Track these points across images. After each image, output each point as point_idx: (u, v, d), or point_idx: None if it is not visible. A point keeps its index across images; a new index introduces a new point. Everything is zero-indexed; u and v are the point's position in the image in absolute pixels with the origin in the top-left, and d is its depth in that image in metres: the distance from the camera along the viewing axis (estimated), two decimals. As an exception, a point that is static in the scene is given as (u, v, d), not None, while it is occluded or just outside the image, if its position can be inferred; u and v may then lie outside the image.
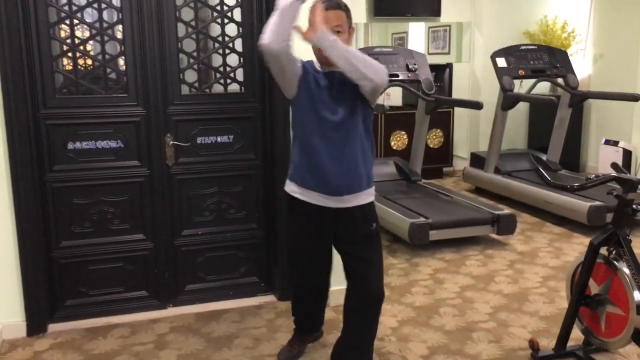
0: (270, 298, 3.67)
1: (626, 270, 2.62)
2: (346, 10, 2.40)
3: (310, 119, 2.44)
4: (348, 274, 2.62)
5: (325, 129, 2.42)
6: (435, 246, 4.58)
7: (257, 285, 3.70)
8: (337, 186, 2.45)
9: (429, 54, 7.84)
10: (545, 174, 2.99)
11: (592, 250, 2.72)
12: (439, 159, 7.17)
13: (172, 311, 3.51)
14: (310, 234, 2.62)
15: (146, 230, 3.46)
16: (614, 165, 2.81)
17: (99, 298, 3.43)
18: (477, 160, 6.41)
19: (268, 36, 2.22)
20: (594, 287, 2.80)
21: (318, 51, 2.39)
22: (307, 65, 2.46)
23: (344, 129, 2.43)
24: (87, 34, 3.28)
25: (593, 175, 2.83)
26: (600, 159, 6.48)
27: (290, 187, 2.60)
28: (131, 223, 3.43)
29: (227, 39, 3.44)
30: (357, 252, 2.56)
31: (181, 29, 3.34)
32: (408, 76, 5.45)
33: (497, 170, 6.04)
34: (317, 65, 2.48)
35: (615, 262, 2.67)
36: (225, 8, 3.40)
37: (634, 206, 2.61)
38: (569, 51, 6.81)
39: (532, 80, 6.26)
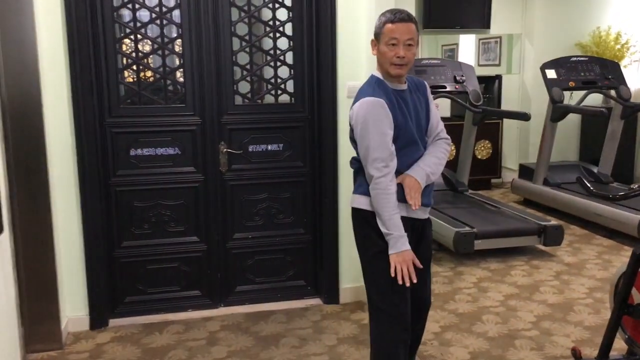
0: (316, 301, 3.80)
1: (670, 280, 2.62)
2: (415, 22, 2.30)
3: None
4: None
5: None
6: (480, 256, 4.61)
7: (304, 289, 3.84)
8: None
9: (479, 65, 7.87)
10: (588, 184, 3.01)
11: (635, 260, 2.73)
12: (488, 170, 7.16)
13: (223, 310, 3.69)
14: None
15: (200, 233, 3.65)
16: (658, 176, 2.81)
17: (155, 296, 3.64)
18: (525, 171, 6.38)
19: (374, 189, 2.26)
20: (637, 297, 2.81)
21: (389, 74, 2.31)
22: (387, 101, 2.27)
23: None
24: (148, 48, 3.52)
25: (637, 185, 2.84)
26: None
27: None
28: (186, 226, 3.63)
29: (278, 52, 3.61)
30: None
31: (236, 43, 3.54)
32: (456, 87, 5.51)
33: (546, 182, 6.00)
34: (386, 82, 2.34)
35: (658, 271, 2.67)
36: (277, 23, 3.58)
37: (677, 216, 2.62)
38: (623, 62, 6.72)
39: (583, 92, 6.19)
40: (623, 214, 4.86)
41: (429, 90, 2.48)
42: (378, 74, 2.35)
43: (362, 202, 2.37)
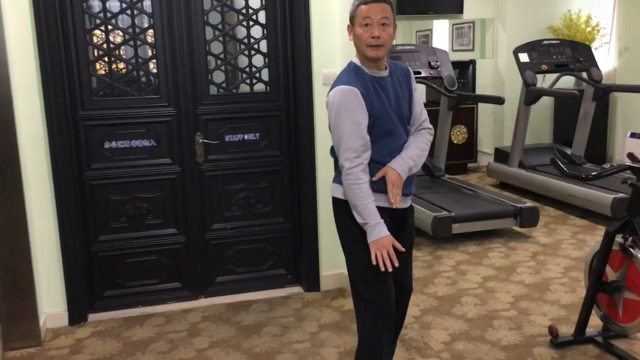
0: (297, 289, 3.81)
1: (642, 257, 2.68)
2: (389, 3, 2.23)
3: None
4: None
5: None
6: (459, 239, 4.67)
7: (284, 277, 3.84)
8: None
9: (453, 50, 7.91)
10: (562, 166, 3.06)
11: (608, 238, 2.80)
12: (464, 154, 7.23)
13: (203, 302, 3.68)
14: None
15: (178, 224, 3.63)
16: (629, 155, 2.88)
17: (135, 289, 3.62)
18: (501, 155, 6.45)
19: (346, 180, 2.21)
20: (610, 274, 2.87)
21: (366, 57, 2.24)
22: (362, 89, 2.20)
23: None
24: (120, 38, 3.47)
25: (608, 165, 2.89)
26: (626, 152, 6.44)
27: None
28: (164, 218, 3.61)
29: (252, 40, 3.59)
30: None
31: (209, 32, 3.50)
32: (430, 73, 5.53)
33: (521, 165, 6.08)
34: (364, 68, 2.27)
35: (631, 249, 2.74)
36: (251, 11, 3.55)
37: (648, 194, 2.68)
38: (594, 45, 6.81)
39: (556, 75, 6.27)
40: (596, 194, 4.95)
41: (413, 77, 2.40)
42: (356, 61, 2.29)
43: (341, 192, 2.32)
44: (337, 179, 2.34)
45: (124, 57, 3.52)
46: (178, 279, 3.68)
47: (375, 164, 2.25)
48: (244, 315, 3.49)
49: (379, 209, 2.23)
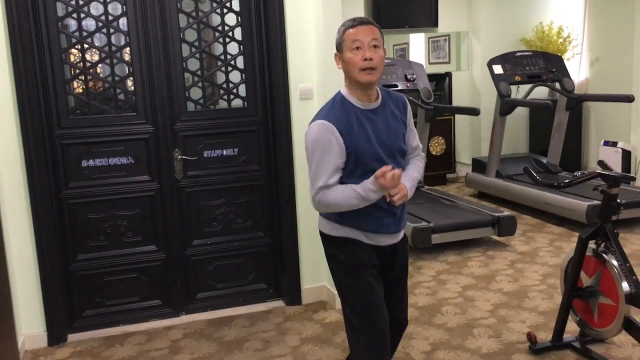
0: (278, 303, 3.82)
1: (614, 262, 2.74)
2: (377, 26, 2.14)
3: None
4: None
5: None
6: (438, 249, 4.71)
7: (266, 292, 3.85)
8: None
9: (429, 63, 8.02)
10: (535, 174, 3.13)
11: (582, 244, 2.86)
12: (442, 165, 7.31)
13: (184, 318, 3.67)
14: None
15: (158, 241, 3.62)
16: (600, 163, 2.95)
17: (115, 308, 3.59)
18: (478, 165, 6.54)
19: (324, 208, 2.15)
20: (585, 280, 2.93)
21: (359, 83, 2.13)
22: (343, 127, 2.09)
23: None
24: (96, 57, 3.47)
25: (579, 173, 2.96)
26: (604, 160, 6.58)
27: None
28: (144, 235, 3.60)
29: (229, 57, 3.62)
30: None
31: (185, 50, 3.53)
32: (407, 86, 5.61)
33: (499, 174, 6.17)
34: (352, 99, 2.16)
35: (603, 254, 2.80)
36: (227, 28, 3.58)
37: (618, 200, 2.74)
38: (566, 56, 6.97)
39: (529, 86, 6.39)
40: (572, 201, 5.04)
41: (409, 108, 2.29)
42: (345, 92, 2.16)
43: (325, 226, 2.26)
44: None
45: (100, 75, 3.52)
46: (158, 296, 3.66)
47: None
48: (225, 330, 3.49)
49: (364, 245, 2.18)
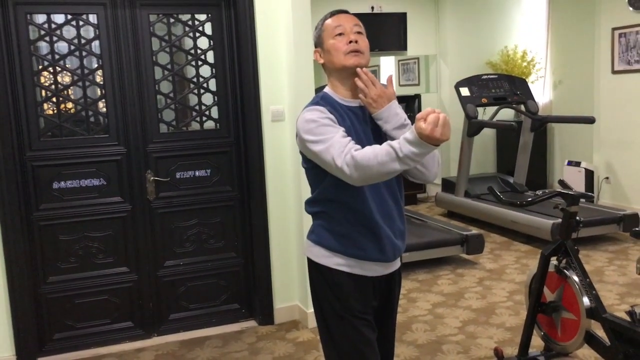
0: (251, 323, 3.83)
1: (575, 278, 2.85)
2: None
3: None
4: None
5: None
6: (409, 268, 4.79)
7: (238, 312, 3.86)
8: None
9: (400, 85, 8.19)
10: (498, 193, 3.24)
11: (544, 261, 2.96)
12: (413, 185, 7.42)
13: (156, 340, 3.66)
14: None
15: (130, 263, 3.62)
16: (560, 182, 3.07)
17: (86, 330, 3.57)
18: (448, 185, 6.68)
19: (360, 178, 1.72)
20: (548, 295, 3.03)
21: (345, 70, 1.90)
22: (334, 113, 1.85)
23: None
24: (68, 79, 3.50)
25: (541, 192, 3.08)
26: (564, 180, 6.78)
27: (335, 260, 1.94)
28: (115, 257, 3.59)
29: (201, 79, 3.68)
30: None
31: (158, 72, 3.58)
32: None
33: (467, 194, 6.30)
34: (336, 96, 1.93)
35: (565, 270, 2.90)
36: (199, 51, 3.65)
37: (577, 218, 2.86)
38: (530, 79, 7.19)
39: (495, 107, 6.57)
40: (537, 219, 5.18)
41: None
42: (328, 89, 1.96)
43: (316, 253, 1.96)
44: (311, 235, 2.00)
45: (72, 97, 3.54)
46: (130, 318, 3.65)
47: (343, 206, 1.89)
48: (198, 351, 3.49)
49: (359, 277, 1.92)
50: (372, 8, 7.43)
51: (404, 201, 2.02)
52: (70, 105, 3.55)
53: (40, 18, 3.35)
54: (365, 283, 1.95)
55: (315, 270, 1.99)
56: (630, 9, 5.96)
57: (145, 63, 3.52)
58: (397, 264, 2.06)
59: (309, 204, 2.01)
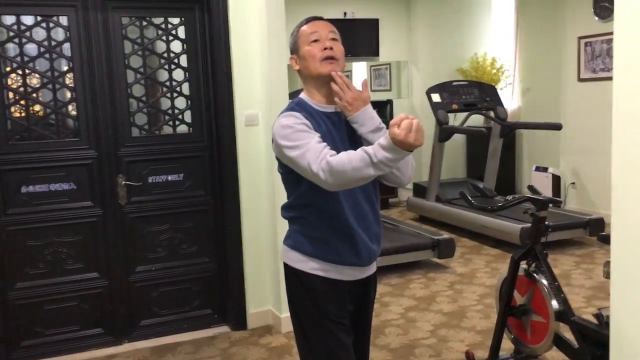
0: (224, 329, 3.81)
1: (544, 282, 2.91)
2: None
3: None
4: None
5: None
6: (382, 272, 4.81)
7: (211, 317, 3.84)
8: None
9: (372, 90, 8.25)
10: (470, 198, 3.30)
11: (514, 265, 3.01)
12: (385, 190, 7.44)
13: (127, 347, 3.61)
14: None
15: (100, 268, 3.57)
16: (529, 187, 3.14)
17: (55, 337, 3.50)
18: (419, 190, 6.75)
19: (335, 183, 1.73)
20: (518, 299, 3.08)
21: (320, 77, 1.92)
22: (312, 120, 1.87)
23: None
24: (37, 81, 3.44)
25: (511, 197, 3.14)
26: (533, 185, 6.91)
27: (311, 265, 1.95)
28: (85, 262, 3.54)
29: (174, 83, 3.65)
30: None
31: (130, 75, 3.54)
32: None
33: (438, 199, 6.38)
34: (312, 102, 1.95)
35: (534, 274, 2.96)
36: (172, 55, 3.62)
37: (546, 223, 2.92)
38: (499, 85, 7.32)
39: (465, 114, 6.67)
40: (506, 224, 5.27)
41: None
42: (304, 95, 1.98)
43: (292, 258, 1.97)
44: (287, 240, 2.01)
45: (41, 100, 3.48)
46: (100, 324, 3.60)
47: (319, 211, 1.90)
48: (169, 358, 3.45)
49: (335, 282, 1.93)
50: (345, 14, 7.48)
51: (379, 206, 2.05)
52: (38, 108, 3.49)
53: (9, 19, 3.29)
54: (341, 287, 1.96)
55: (292, 275, 2.00)
56: (596, 18, 6.12)
57: (117, 66, 3.48)
58: (372, 268, 2.08)
59: (285, 209, 2.02)
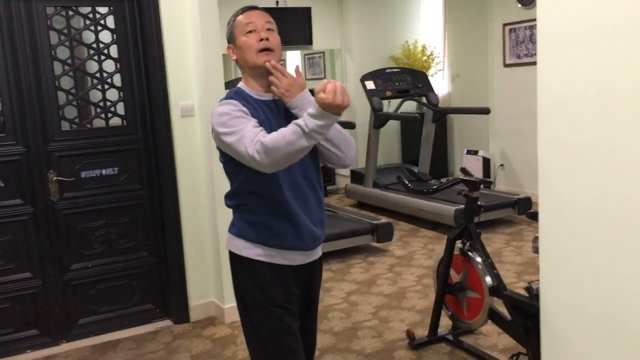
0: (166, 323, 3.77)
1: (478, 259, 3.04)
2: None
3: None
4: None
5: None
6: (323, 258, 4.79)
7: (152, 312, 3.78)
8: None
9: (307, 79, 8.25)
10: (406, 182, 3.39)
11: (449, 244, 3.13)
12: (323, 178, 7.52)
13: (65, 347, 3.51)
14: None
15: (33, 268, 3.45)
16: (462, 170, 3.26)
17: (-14, 342, 3.37)
18: (357, 176, 6.85)
19: (271, 163, 1.75)
20: (454, 277, 3.21)
21: (256, 68, 1.94)
22: (250, 108, 1.90)
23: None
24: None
25: (445, 180, 3.26)
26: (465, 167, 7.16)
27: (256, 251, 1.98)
28: (16, 262, 3.41)
29: (105, 74, 3.55)
30: None
31: (58, 67, 3.41)
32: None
33: (375, 185, 6.50)
34: (250, 91, 1.97)
35: (469, 252, 3.09)
36: (102, 45, 3.52)
37: (479, 203, 3.05)
38: (430, 72, 7.51)
39: (399, 100, 6.82)
40: (441, 206, 5.45)
41: None
42: (242, 85, 1.99)
43: (237, 246, 1.99)
44: (232, 229, 2.02)
45: (-38, 94, 3.31)
46: (35, 325, 3.48)
47: (261, 197, 1.93)
48: (111, 355, 3.39)
49: (280, 267, 1.96)
50: (277, 2, 7.45)
51: (323, 191, 2.08)
52: (-41, 102, 3.32)
53: None
54: (286, 272, 1.99)
55: (237, 262, 2.01)
56: (519, 5, 6.37)
57: (43, 58, 3.35)
58: (318, 253, 2.11)
59: (228, 197, 2.03)
